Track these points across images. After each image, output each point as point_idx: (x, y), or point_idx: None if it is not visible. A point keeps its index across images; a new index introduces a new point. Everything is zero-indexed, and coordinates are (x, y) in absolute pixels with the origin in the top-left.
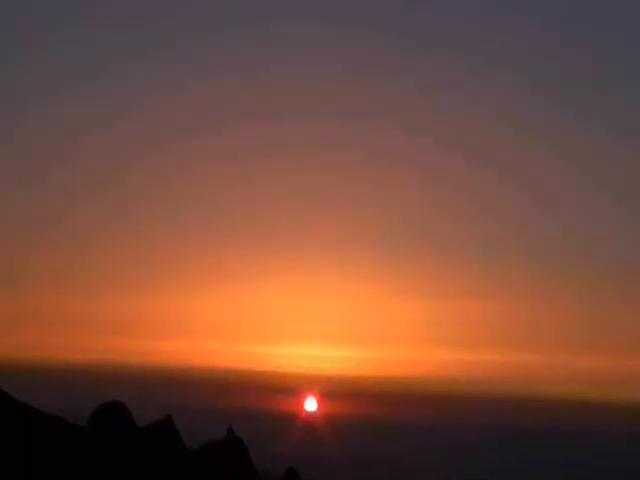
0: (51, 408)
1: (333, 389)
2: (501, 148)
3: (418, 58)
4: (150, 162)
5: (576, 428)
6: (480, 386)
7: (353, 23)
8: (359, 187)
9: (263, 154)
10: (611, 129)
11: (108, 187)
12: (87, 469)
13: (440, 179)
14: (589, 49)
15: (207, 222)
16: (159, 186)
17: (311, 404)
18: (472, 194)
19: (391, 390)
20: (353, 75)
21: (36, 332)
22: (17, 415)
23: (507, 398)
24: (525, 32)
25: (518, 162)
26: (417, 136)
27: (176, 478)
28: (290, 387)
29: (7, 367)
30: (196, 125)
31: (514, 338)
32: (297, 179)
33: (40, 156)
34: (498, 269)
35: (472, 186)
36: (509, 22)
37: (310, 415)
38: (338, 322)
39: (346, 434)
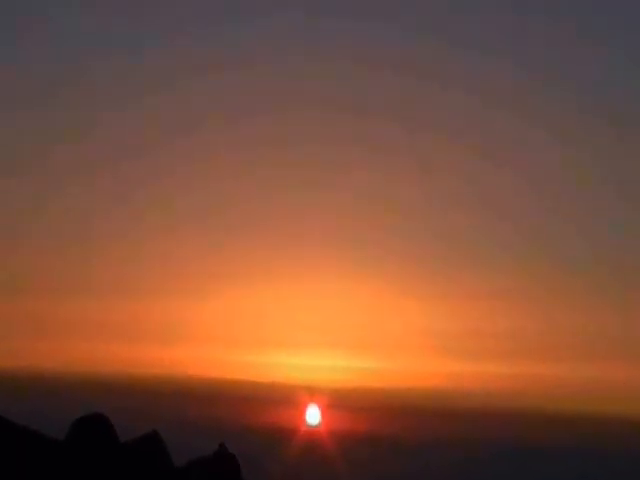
0: (25, 420)
1: (337, 401)
2: (519, 148)
3: (421, 50)
4: (144, 163)
5: (593, 445)
6: (495, 399)
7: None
8: (362, 183)
9: (261, 151)
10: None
11: (106, 189)
12: None
13: (455, 174)
14: (594, 36)
15: (205, 223)
16: (156, 188)
17: (313, 417)
18: (492, 193)
19: (400, 403)
20: (355, 69)
21: (18, 338)
22: None
23: (523, 412)
24: (532, 24)
25: (537, 163)
26: (424, 131)
27: None
28: (290, 399)
29: None
30: (188, 124)
31: (533, 349)
32: (297, 175)
33: (25, 152)
34: (514, 274)
35: (491, 185)
36: (511, 14)
37: (312, 429)
38: (342, 329)
39: (351, 450)
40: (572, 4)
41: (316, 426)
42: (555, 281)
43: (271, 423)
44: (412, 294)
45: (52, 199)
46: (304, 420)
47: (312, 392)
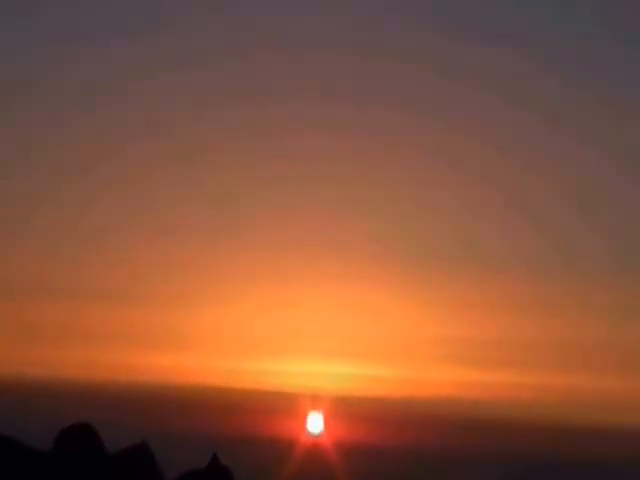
0: (9, 430)
1: (341, 410)
2: (543, 153)
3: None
4: (140, 167)
5: (622, 459)
6: (506, 410)
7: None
8: (371, 184)
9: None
10: None
11: (102, 191)
12: None
13: (462, 174)
14: (610, 31)
15: (205, 227)
16: (151, 188)
17: (316, 426)
18: (509, 198)
19: (407, 412)
20: (362, 60)
21: (1, 344)
22: None
23: (535, 423)
24: (546, 16)
25: (559, 165)
26: (429, 129)
27: None
28: (291, 408)
29: None
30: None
31: (547, 359)
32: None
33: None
34: (530, 279)
35: (500, 184)
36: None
37: (314, 439)
38: (347, 336)
39: (356, 462)
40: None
41: (319, 436)
42: (573, 290)
43: (271, 433)
44: (420, 300)
45: (43, 199)
46: (306, 430)
47: (315, 400)
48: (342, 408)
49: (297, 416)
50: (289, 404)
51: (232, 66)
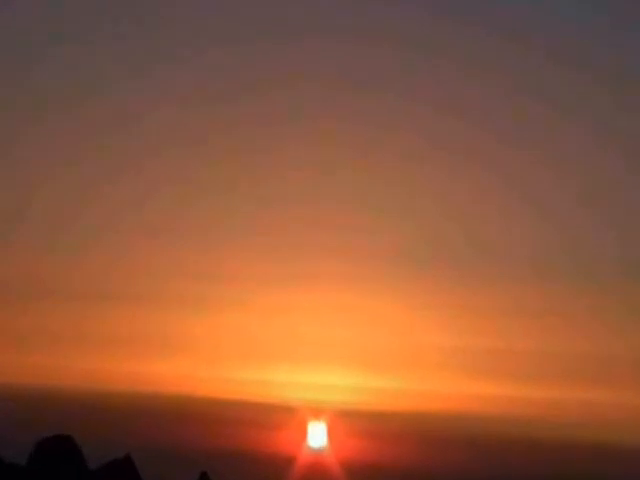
0: None
1: (345, 425)
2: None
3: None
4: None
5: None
6: (525, 426)
7: None
8: (375, 187)
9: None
10: None
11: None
12: None
13: (475, 173)
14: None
15: (202, 225)
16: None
17: (317, 440)
18: (519, 197)
19: (416, 428)
20: (367, 45)
21: None
22: None
23: (558, 441)
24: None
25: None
26: (448, 126)
27: None
28: (291, 422)
29: None
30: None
31: (571, 370)
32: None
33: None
34: (549, 286)
35: (518, 184)
36: None
37: (315, 455)
38: (352, 345)
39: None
40: None
41: (321, 451)
42: (595, 298)
43: (268, 448)
44: (430, 306)
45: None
46: (307, 445)
47: (317, 413)
48: (346, 422)
49: (297, 430)
50: (288, 417)
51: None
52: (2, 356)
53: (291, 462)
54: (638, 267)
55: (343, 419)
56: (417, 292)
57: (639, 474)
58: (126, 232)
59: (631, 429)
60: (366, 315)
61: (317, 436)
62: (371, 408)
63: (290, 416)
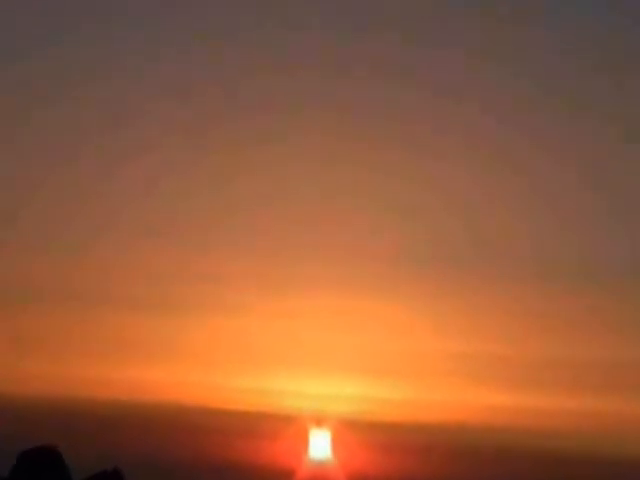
0: None
1: (348, 437)
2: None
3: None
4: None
5: None
6: (538, 438)
7: None
8: (377, 187)
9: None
10: None
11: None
12: None
13: (483, 169)
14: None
15: (201, 225)
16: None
17: (320, 452)
18: (529, 193)
19: (424, 440)
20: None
21: None
22: None
23: (573, 454)
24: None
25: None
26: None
27: None
28: (292, 433)
29: None
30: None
31: (597, 379)
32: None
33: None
34: (566, 288)
35: (531, 181)
36: None
37: (318, 467)
38: (356, 352)
39: None
40: None
41: (324, 463)
42: (611, 305)
43: (267, 460)
44: (440, 311)
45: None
46: (309, 457)
47: (320, 423)
48: (351, 434)
49: (298, 442)
50: (288, 428)
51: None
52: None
53: (291, 475)
54: None
55: (347, 430)
56: (421, 295)
57: None
58: (122, 232)
59: None
60: (372, 321)
61: (320, 446)
62: (377, 419)
63: (291, 427)
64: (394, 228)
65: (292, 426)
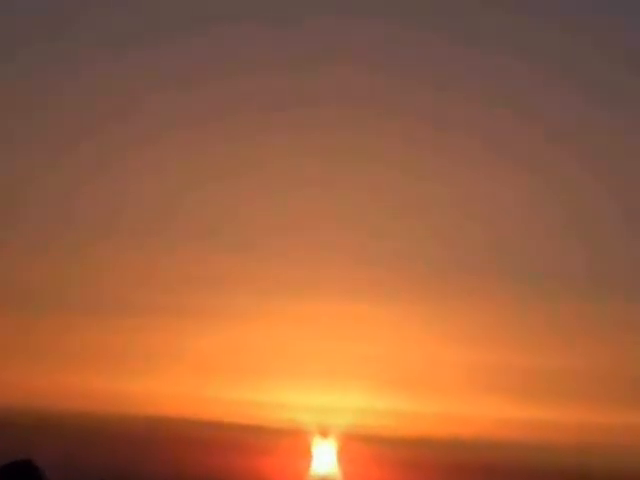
0: None
1: (354, 451)
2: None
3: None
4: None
5: None
6: (565, 455)
7: None
8: (380, 186)
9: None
10: None
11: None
12: None
13: (499, 169)
14: None
15: (198, 224)
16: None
17: (325, 464)
18: (547, 196)
19: (435, 455)
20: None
21: None
22: None
23: (616, 474)
24: None
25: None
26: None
27: None
28: (293, 448)
29: None
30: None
31: (623, 392)
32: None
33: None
34: (586, 295)
35: (549, 183)
36: None
37: None
38: (363, 362)
39: None
40: None
41: (328, 478)
42: (635, 316)
43: (268, 476)
44: (452, 318)
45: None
46: (312, 471)
47: (323, 437)
48: (358, 447)
49: (301, 456)
50: (290, 443)
51: None
52: None
53: None
54: None
55: (351, 443)
56: (431, 301)
57: None
58: (122, 232)
59: None
60: (379, 328)
61: (324, 460)
62: (385, 433)
63: (293, 441)
64: (402, 228)
65: (294, 439)
